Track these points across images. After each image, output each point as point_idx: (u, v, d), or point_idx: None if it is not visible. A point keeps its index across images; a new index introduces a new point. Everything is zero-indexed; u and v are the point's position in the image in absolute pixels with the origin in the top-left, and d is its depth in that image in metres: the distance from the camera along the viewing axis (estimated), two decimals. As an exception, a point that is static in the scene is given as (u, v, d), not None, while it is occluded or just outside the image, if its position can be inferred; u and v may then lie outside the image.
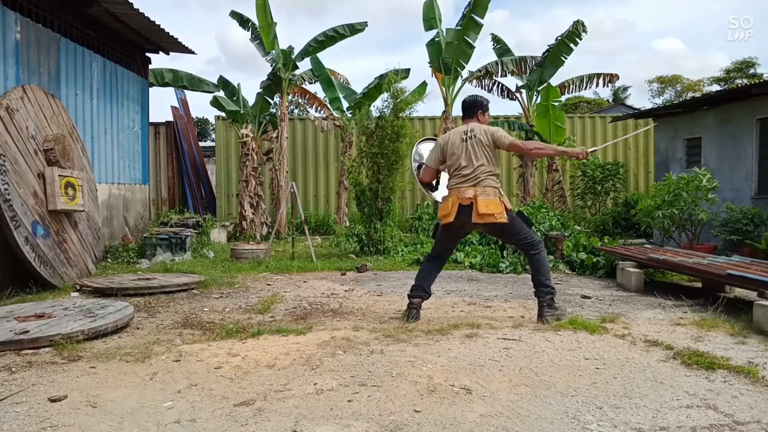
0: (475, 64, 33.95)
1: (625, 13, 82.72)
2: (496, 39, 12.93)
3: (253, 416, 2.67)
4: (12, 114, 5.70)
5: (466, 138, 4.43)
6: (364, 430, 2.54)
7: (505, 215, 4.30)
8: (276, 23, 11.56)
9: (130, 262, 7.94)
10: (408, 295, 4.67)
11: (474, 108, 4.63)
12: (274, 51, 11.58)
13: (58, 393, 2.94)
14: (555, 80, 12.48)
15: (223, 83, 12.61)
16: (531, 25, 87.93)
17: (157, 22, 8.10)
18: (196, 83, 12.18)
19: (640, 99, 59.46)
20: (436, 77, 12.18)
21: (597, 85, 12.71)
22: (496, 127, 4.53)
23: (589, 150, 4.71)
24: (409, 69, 12.23)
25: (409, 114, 9.23)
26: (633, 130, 14.38)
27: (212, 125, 25.32)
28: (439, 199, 4.73)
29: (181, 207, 13.27)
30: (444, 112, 12.23)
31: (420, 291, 4.62)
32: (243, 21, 11.89)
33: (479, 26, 11.31)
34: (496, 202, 4.28)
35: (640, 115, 11.96)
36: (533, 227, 4.54)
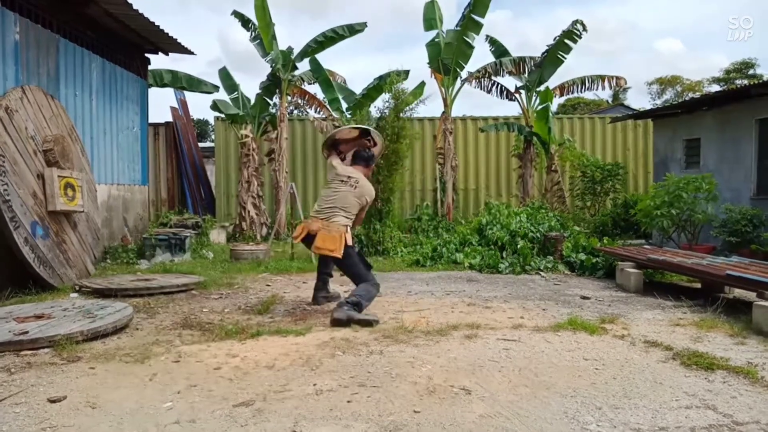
0: (475, 64, 33.91)
1: (626, 14, 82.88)
2: (491, 41, 12.90)
3: (252, 417, 2.67)
4: (11, 115, 5.70)
5: (347, 182, 4.96)
6: (364, 430, 2.54)
7: (341, 251, 4.71)
8: (275, 24, 11.58)
9: (130, 263, 7.94)
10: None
11: (365, 161, 5.22)
12: (273, 52, 11.58)
13: (57, 394, 2.94)
14: (555, 80, 12.48)
15: (225, 75, 12.58)
16: (533, 25, 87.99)
17: (156, 23, 8.10)
18: (195, 84, 12.17)
19: (640, 100, 59.63)
20: (435, 78, 12.18)
21: (603, 87, 12.70)
22: (371, 190, 5.07)
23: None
24: (408, 71, 12.25)
25: (410, 115, 9.24)
26: (632, 130, 14.43)
27: (212, 126, 25.32)
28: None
29: (181, 208, 13.27)
30: (443, 112, 12.24)
31: (322, 274, 5.30)
32: (245, 21, 11.90)
33: (479, 26, 11.31)
34: (334, 238, 4.73)
35: (639, 115, 11.98)
36: (371, 268, 5.19)
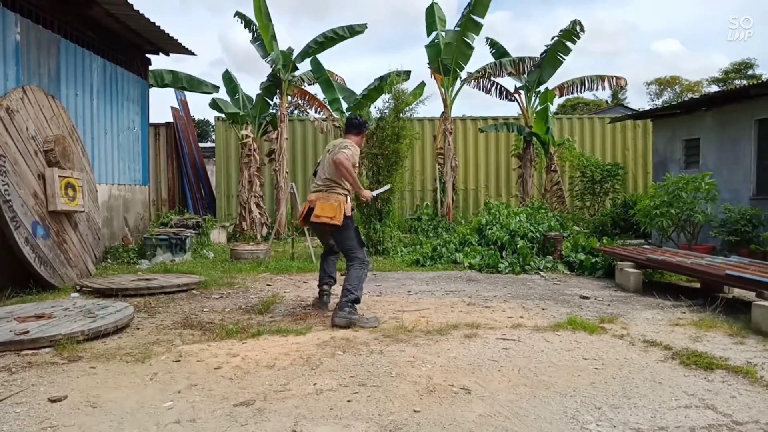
0: (475, 65, 33.90)
1: (625, 15, 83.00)
2: (492, 43, 12.92)
3: (252, 416, 2.68)
4: (12, 115, 5.71)
5: (328, 151, 4.94)
6: (364, 430, 2.54)
7: (340, 219, 4.64)
8: (274, 24, 11.59)
9: (130, 263, 7.95)
10: (318, 285, 5.23)
11: (356, 128, 5.09)
12: (273, 52, 11.60)
13: (58, 393, 2.95)
14: (555, 81, 12.47)
15: (227, 78, 12.60)
16: (533, 26, 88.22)
17: (157, 24, 8.11)
18: (195, 84, 12.18)
19: (640, 100, 59.65)
20: (435, 78, 12.19)
21: (603, 87, 12.69)
22: (347, 146, 4.81)
23: (374, 193, 5.26)
24: (410, 71, 12.27)
25: (410, 115, 9.27)
26: (631, 130, 14.45)
27: (212, 126, 25.36)
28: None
29: (181, 208, 13.28)
30: (443, 113, 12.25)
31: (327, 278, 5.21)
32: (247, 22, 11.92)
33: (479, 27, 11.31)
34: (332, 206, 4.69)
35: (638, 116, 11.98)
36: (365, 247, 5.27)
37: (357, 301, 4.57)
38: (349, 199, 4.79)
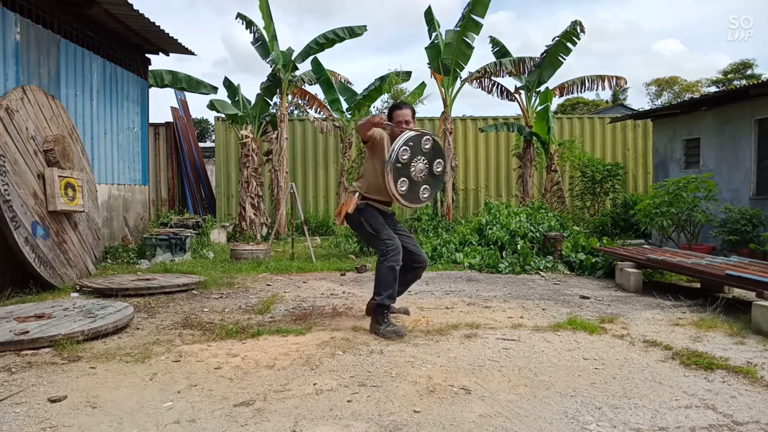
0: (476, 65, 33.92)
1: (627, 15, 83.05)
2: (494, 41, 12.94)
3: (252, 416, 2.68)
4: (12, 115, 5.70)
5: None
6: (364, 430, 2.54)
7: (343, 218, 4.28)
8: (274, 24, 11.61)
9: (130, 263, 7.95)
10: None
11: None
12: (273, 52, 11.61)
13: (57, 393, 2.94)
14: (555, 81, 12.49)
15: (228, 84, 12.65)
16: (535, 27, 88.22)
17: (157, 23, 8.11)
18: (194, 85, 12.19)
19: (640, 100, 59.64)
20: (435, 78, 12.20)
21: (603, 87, 12.71)
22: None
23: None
24: (410, 72, 12.30)
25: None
26: (632, 130, 14.46)
27: (212, 126, 25.36)
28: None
29: (181, 208, 13.28)
30: (443, 112, 12.25)
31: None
32: (248, 23, 11.94)
33: (479, 26, 11.32)
34: (344, 204, 4.30)
35: (638, 116, 11.98)
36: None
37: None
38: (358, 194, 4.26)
